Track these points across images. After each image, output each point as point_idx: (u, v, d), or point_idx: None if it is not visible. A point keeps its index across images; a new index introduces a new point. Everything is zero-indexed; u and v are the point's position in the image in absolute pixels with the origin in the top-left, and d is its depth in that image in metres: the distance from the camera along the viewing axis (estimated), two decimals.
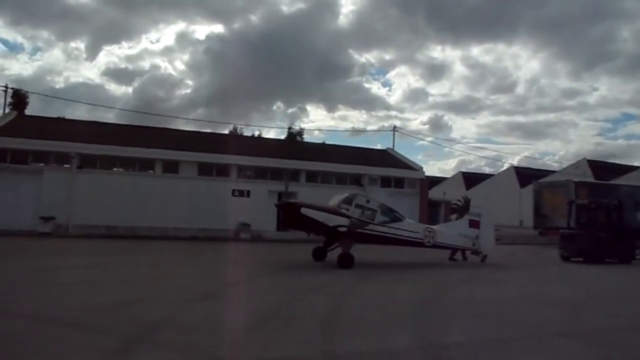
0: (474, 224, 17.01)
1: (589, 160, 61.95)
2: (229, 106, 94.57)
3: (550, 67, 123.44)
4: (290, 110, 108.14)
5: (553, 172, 59.06)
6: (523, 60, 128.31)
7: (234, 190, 26.77)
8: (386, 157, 32.71)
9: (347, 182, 28.93)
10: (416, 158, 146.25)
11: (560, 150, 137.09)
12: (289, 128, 68.12)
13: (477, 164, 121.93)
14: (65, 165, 24.49)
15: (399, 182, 30.02)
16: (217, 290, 10.41)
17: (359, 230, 14.40)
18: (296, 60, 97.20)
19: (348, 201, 14.92)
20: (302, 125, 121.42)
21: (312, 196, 27.26)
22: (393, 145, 35.61)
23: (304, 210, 14.02)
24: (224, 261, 16.73)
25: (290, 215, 14.40)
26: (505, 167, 70.19)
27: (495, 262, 17.28)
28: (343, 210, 14.52)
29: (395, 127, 36.25)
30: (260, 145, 33.20)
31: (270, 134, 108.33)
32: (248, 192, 26.94)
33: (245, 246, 22.92)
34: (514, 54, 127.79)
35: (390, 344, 6.37)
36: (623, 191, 31.02)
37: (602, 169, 57.71)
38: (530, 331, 7.32)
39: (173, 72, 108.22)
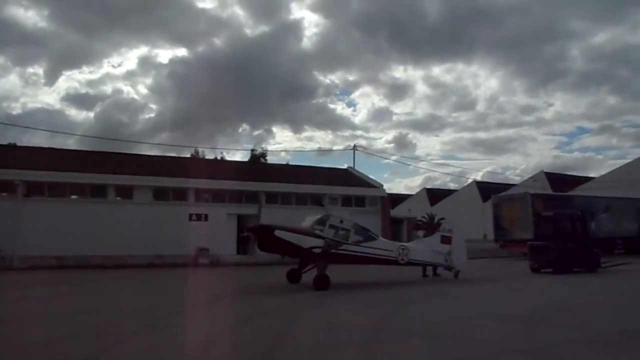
0: (446, 240, 17.15)
1: (546, 173, 63.73)
2: (194, 129, 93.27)
3: (508, 85, 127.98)
4: (256, 132, 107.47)
5: (513, 185, 60.32)
6: (482, 79, 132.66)
7: (191, 215, 25.98)
8: (347, 176, 32.58)
9: (307, 202, 28.60)
10: (382, 176, 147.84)
11: (521, 164, 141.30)
12: (252, 150, 67.88)
13: (442, 180, 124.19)
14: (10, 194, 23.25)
15: (360, 201, 29.88)
16: (160, 320, 9.76)
17: (334, 250, 14.35)
18: (261, 82, 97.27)
19: (321, 222, 14.91)
20: (269, 147, 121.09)
21: (273, 218, 26.99)
22: (354, 164, 35.65)
23: (277, 233, 13.90)
24: (177, 288, 16.00)
25: (263, 238, 14.23)
26: (468, 183, 71.46)
27: (467, 276, 17.32)
28: (317, 231, 14.46)
29: (355, 146, 36.31)
30: (220, 168, 32.59)
31: (236, 156, 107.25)
32: (206, 215, 26.20)
33: (202, 271, 22.15)
34: (473, 73, 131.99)
35: None
36: (577, 202, 31.79)
37: (559, 181, 59.39)
38: (481, 351, 7.06)
39: (136, 97, 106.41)
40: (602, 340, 7.75)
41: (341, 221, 15.39)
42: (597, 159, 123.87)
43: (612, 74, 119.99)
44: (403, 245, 16.65)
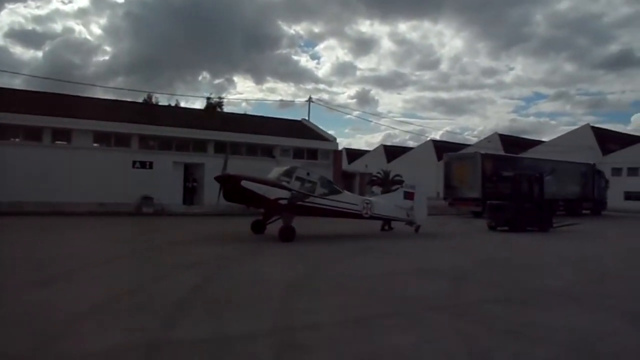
0: (409, 196, 17.43)
1: (500, 135, 65.07)
2: (151, 75, 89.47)
3: (472, 46, 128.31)
4: (216, 81, 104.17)
5: (469, 146, 61.30)
6: (447, 39, 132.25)
7: (134, 162, 24.90)
8: (301, 128, 31.92)
9: (258, 153, 27.90)
10: (343, 132, 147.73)
11: (479, 125, 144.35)
12: (208, 98, 65.64)
13: (402, 138, 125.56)
14: None
15: (312, 153, 29.43)
16: (73, 270, 9.13)
17: (300, 202, 14.35)
18: (223, 28, 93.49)
19: (288, 174, 14.86)
20: (230, 97, 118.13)
21: (219, 167, 26.23)
22: (308, 117, 34.91)
23: (244, 183, 13.77)
24: (111, 237, 15.31)
25: (230, 188, 14.03)
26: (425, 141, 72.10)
27: (426, 232, 17.61)
28: (283, 183, 14.41)
29: (310, 97, 35.41)
30: (168, 114, 31.14)
31: (196, 105, 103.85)
32: (150, 163, 25.16)
33: (144, 221, 21.40)
34: (439, 32, 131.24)
35: (238, 327, 5.62)
36: (525, 164, 32.50)
37: (512, 143, 60.86)
38: (401, 307, 6.89)
39: (89, 37, 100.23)
40: (517, 298, 7.77)
41: (308, 173, 15.28)
42: (551, 124, 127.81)
43: (571, 42, 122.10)
44: (367, 200, 16.83)
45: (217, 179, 14.58)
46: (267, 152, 28.21)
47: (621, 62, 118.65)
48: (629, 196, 47.51)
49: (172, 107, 42.65)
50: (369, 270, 10.15)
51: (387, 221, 17.81)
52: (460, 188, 28.75)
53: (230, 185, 14.03)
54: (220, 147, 26.84)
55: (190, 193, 25.93)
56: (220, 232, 17.19)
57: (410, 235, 17.00)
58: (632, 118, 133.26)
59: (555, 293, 8.14)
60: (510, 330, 5.90)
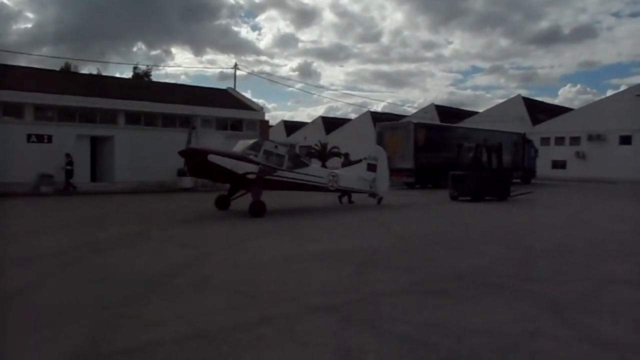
0: (372, 168, 17.39)
1: (436, 106, 65.29)
2: (81, 45, 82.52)
3: (413, 20, 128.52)
4: (153, 53, 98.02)
5: (406, 117, 61.01)
6: (388, 11, 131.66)
7: (29, 135, 21.95)
8: (225, 98, 29.68)
9: (176, 123, 25.54)
10: (285, 104, 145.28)
11: (419, 98, 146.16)
12: (134, 67, 61.20)
13: (345, 111, 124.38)
14: None
15: (237, 124, 27.41)
16: None
17: (268, 176, 14.06)
18: None
19: (255, 147, 14.46)
20: (167, 69, 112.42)
21: (133, 140, 23.82)
22: (235, 85, 32.62)
23: (211, 157, 13.20)
24: None
25: (196, 162, 13.42)
26: (363, 112, 71.34)
27: (388, 203, 17.69)
28: (251, 157, 13.99)
29: (236, 64, 33.15)
30: (84, 83, 27.82)
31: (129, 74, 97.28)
32: (49, 137, 22.30)
33: (39, 202, 18.84)
34: (380, 5, 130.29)
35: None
36: (458, 133, 32.01)
37: (448, 114, 61.15)
38: (281, 309, 5.36)
39: (7, 2, 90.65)
40: (430, 287, 6.46)
41: (275, 146, 14.80)
42: (487, 97, 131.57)
43: (506, 18, 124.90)
44: (333, 172, 16.63)
45: (181, 153, 13.66)
46: (187, 122, 25.89)
47: (550, 38, 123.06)
48: (555, 164, 48.95)
49: (93, 75, 38.82)
50: (267, 255, 8.59)
51: (345, 193, 17.49)
52: (393, 158, 27.61)
53: (196, 160, 13.34)
54: (133, 118, 24.29)
55: (67, 176, 21.89)
56: (168, 211, 15.93)
57: (365, 208, 16.61)
58: (560, 91, 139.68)
59: (477, 277, 6.93)
60: (406, 336, 4.51)
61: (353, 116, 79.48)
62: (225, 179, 14.51)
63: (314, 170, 16.01)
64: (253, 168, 13.80)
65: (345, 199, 17.83)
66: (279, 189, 14.81)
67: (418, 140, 27.46)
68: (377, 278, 6.96)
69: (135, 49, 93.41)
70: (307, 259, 8.15)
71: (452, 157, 30.70)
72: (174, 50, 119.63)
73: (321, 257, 8.28)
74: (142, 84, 28.48)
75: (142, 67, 58.94)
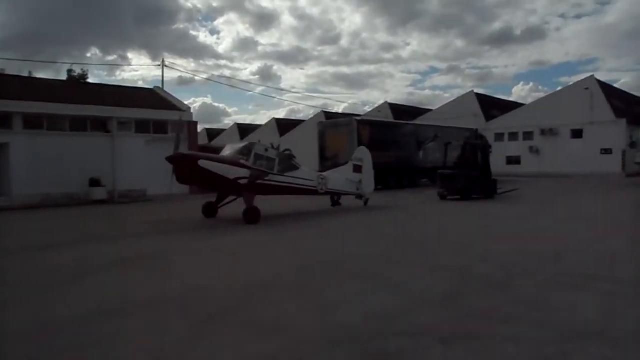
0: (357, 169, 17.15)
1: (390, 104, 63.77)
2: (33, 51, 76.80)
3: (371, 22, 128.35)
4: (109, 58, 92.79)
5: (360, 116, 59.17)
6: (347, 14, 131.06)
7: None
8: (149, 98, 26.69)
9: (87, 127, 22.43)
10: (247, 108, 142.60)
11: (379, 99, 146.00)
12: (69, 70, 57.02)
13: (306, 113, 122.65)
14: None
15: (160, 126, 24.43)
16: None
17: (260, 181, 13.62)
18: (111, 1, 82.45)
19: (246, 151, 13.90)
20: (125, 75, 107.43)
21: (34, 147, 20.62)
22: (162, 84, 29.61)
23: (202, 163, 12.67)
24: None
25: (185, 169, 12.67)
26: (316, 113, 69.20)
27: (374, 204, 17.29)
28: (242, 161, 13.49)
29: (163, 61, 30.22)
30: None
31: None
32: None
33: None
34: (338, 8, 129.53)
35: None
36: (407, 130, 30.16)
37: (402, 112, 59.60)
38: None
39: None
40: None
41: (266, 150, 14.24)
42: (445, 97, 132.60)
43: (461, 19, 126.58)
44: (322, 175, 16.24)
45: (169, 159, 12.90)
46: (100, 125, 22.89)
47: (504, 39, 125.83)
48: (510, 160, 48.04)
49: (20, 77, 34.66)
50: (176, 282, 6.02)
51: (334, 195, 17.03)
52: (336, 158, 25.36)
53: (185, 166, 12.64)
54: (33, 122, 21.04)
55: None
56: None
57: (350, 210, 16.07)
58: (513, 90, 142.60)
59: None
60: None
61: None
62: (216, 185, 13.89)
63: (304, 173, 15.44)
64: (244, 173, 13.27)
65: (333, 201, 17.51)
66: (270, 193, 14.35)
67: (362, 138, 25.24)
68: (262, 304, 4.50)
69: (89, 54, 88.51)
70: (208, 288, 5.62)
71: (402, 156, 29.06)
72: (130, 55, 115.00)
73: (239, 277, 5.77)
74: (50, 84, 25.03)
75: (79, 70, 54.65)
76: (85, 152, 21.77)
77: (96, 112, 22.42)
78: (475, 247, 9.21)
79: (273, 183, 14.05)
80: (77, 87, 26.29)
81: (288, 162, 14.96)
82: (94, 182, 21.64)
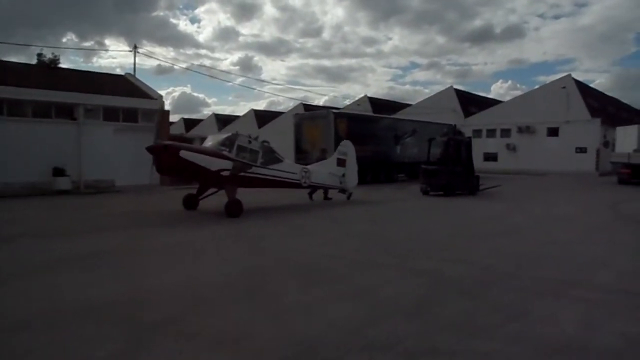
0: (341, 163, 17.02)
1: (370, 98, 63.42)
2: (4, 34, 73.79)
3: (353, 16, 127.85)
4: (85, 44, 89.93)
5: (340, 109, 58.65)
6: (329, 6, 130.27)
7: None
8: (121, 84, 25.62)
9: (52, 114, 21.36)
10: (227, 99, 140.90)
11: (360, 93, 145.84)
12: (39, 54, 55.08)
13: (287, 105, 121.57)
14: None
15: (130, 114, 23.46)
16: None
17: (242, 173, 13.30)
18: None
19: (229, 142, 13.48)
20: (102, 61, 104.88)
21: None
22: (134, 71, 28.56)
23: (183, 154, 12.26)
24: None
25: (166, 159, 12.20)
26: (295, 105, 68.42)
27: (359, 198, 17.27)
28: (224, 152, 13.10)
29: (135, 46, 29.05)
30: None
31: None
32: None
33: None
34: (321, 0, 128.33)
35: None
36: (385, 124, 29.76)
37: (382, 106, 59.32)
38: None
39: None
40: None
41: (249, 141, 13.86)
42: (425, 92, 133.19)
43: (442, 16, 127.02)
44: (305, 168, 15.91)
45: (149, 149, 12.47)
46: (67, 112, 21.84)
47: (483, 37, 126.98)
48: (487, 157, 48.20)
49: None
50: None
51: (316, 189, 17.04)
52: (312, 152, 24.81)
53: (167, 157, 12.15)
54: None
55: None
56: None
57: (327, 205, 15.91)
58: (492, 87, 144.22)
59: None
60: None
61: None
62: (198, 177, 13.67)
63: (288, 166, 15.19)
64: (227, 164, 12.92)
65: (317, 195, 17.51)
66: (253, 186, 14.09)
67: (339, 131, 24.72)
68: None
69: (65, 39, 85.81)
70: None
71: (379, 150, 28.58)
72: (107, 42, 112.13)
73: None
74: (14, 68, 23.79)
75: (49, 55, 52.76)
76: (50, 140, 20.70)
77: (61, 97, 21.31)
78: (452, 248, 8.81)
79: (256, 176, 13.78)
80: (44, 72, 25.00)
81: (271, 154, 14.66)
82: (58, 172, 20.62)
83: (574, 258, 7.96)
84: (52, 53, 33.31)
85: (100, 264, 7.51)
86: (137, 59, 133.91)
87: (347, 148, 17.51)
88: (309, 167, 16.38)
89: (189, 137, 27.74)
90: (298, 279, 6.47)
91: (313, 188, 16.68)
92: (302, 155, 25.30)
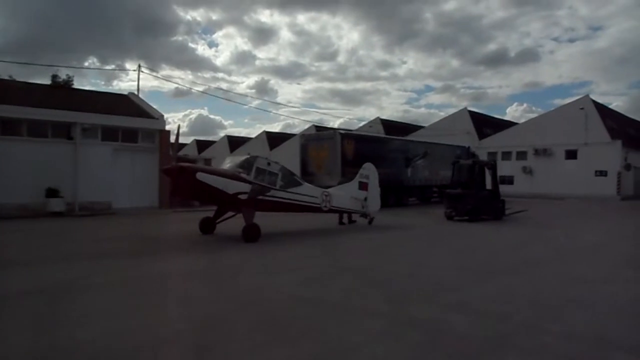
0: (363, 186, 16.55)
1: (382, 120, 62.49)
2: (30, 58, 75.34)
3: (368, 40, 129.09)
4: (106, 67, 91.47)
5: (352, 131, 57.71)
6: (345, 31, 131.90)
7: None
8: (123, 104, 24.98)
9: (48, 133, 20.67)
10: (242, 121, 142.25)
11: (375, 116, 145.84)
12: (54, 76, 55.54)
13: (302, 128, 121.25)
14: None
15: (130, 134, 22.71)
16: None
17: (261, 197, 12.90)
18: (112, 10, 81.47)
19: (248, 165, 13.18)
20: (122, 84, 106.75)
21: None
22: (138, 90, 27.93)
23: (200, 176, 12.01)
24: None
25: (183, 181, 11.94)
26: (307, 127, 67.79)
27: (380, 223, 16.72)
28: (242, 175, 12.78)
29: (140, 66, 28.51)
30: None
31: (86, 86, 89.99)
32: None
33: None
34: (337, 25, 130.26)
35: None
36: (395, 145, 28.60)
37: (394, 128, 58.31)
38: None
39: None
40: None
41: (268, 163, 13.47)
42: (439, 115, 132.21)
43: (456, 40, 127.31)
44: (326, 192, 15.33)
45: (165, 171, 12.42)
46: (64, 132, 21.14)
47: (498, 60, 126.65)
48: (503, 180, 46.48)
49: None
50: None
51: (342, 213, 16.71)
52: (318, 174, 23.76)
53: (183, 179, 11.89)
54: None
55: None
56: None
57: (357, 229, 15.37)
58: (507, 110, 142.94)
59: None
60: None
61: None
62: (215, 200, 13.28)
63: (308, 189, 14.65)
64: (245, 187, 12.55)
65: (345, 219, 17.22)
66: (271, 210, 13.62)
67: (346, 153, 23.68)
68: None
69: (87, 63, 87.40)
70: None
71: (389, 173, 27.28)
72: (128, 65, 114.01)
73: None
74: (17, 87, 23.31)
75: (64, 76, 53.02)
76: (45, 159, 19.96)
77: (58, 116, 20.64)
78: (462, 289, 7.56)
79: (275, 199, 13.33)
80: (45, 91, 24.50)
81: (291, 177, 14.29)
82: (51, 193, 19.83)
83: (604, 305, 6.66)
84: (67, 75, 33.17)
85: (44, 303, 6.44)
86: (156, 82, 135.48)
87: (370, 171, 16.98)
88: (329, 190, 15.79)
89: (191, 158, 26.88)
90: (262, 332, 5.27)
91: (338, 212, 16.31)
92: (308, 178, 24.11)
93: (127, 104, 25.18)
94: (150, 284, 7.73)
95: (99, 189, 21.18)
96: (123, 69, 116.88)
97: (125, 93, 27.55)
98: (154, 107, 25.19)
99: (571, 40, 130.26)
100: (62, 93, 25.29)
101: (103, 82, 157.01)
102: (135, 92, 27.43)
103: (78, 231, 15.39)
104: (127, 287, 7.48)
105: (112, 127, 22.09)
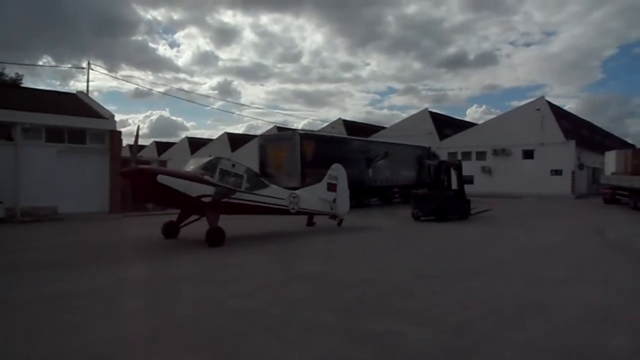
0: (332, 188, 16.30)
1: (344, 120, 62.39)
2: None
3: (331, 42, 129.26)
4: (62, 67, 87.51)
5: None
6: (308, 33, 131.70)
7: None
8: (71, 103, 23.61)
9: None
10: (205, 123, 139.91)
11: (338, 117, 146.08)
12: (0, 74, 52.75)
13: (265, 129, 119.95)
14: None
15: (77, 135, 21.44)
16: None
17: (225, 199, 12.55)
18: (67, 9, 77.87)
19: (211, 166, 12.77)
20: (78, 85, 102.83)
21: None
22: (87, 90, 26.56)
23: (161, 179, 11.59)
24: None
25: (143, 184, 11.57)
26: (269, 129, 66.97)
27: (349, 225, 16.47)
28: (206, 177, 12.40)
29: (89, 63, 27.20)
30: None
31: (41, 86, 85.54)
32: None
33: None
34: (300, 26, 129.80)
35: None
36: (355, 146, 28.22)
37: (357, 129, 58.27)
38: None
39: None
40: None
41: (233, 165, 13.20)
42: (402, 116, 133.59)
43: (418, 43, 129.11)
44: (293, 194, 14.99)
45: (123, 174, 12.19)
46: (4, 132, 19.74)
47: (458, 63, 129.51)
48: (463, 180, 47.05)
49: None
50: None
51: (309, 215, 16.18)
52: (277, 176, 23.11)
53: (143, 182, 11.48)
54: None
55: None
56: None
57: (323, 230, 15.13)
58: (467, 111, 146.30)
59: None
60: None
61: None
62: (177, 203, 12.80)
63: (275, 191, 14.28)
64: (209, 190, 12.19)
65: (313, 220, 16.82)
66: (236, 213, 13.30)
67: (306, 154, 23.16)
68: None
69: (41, 62, 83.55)
70: None
71: (350, 174, 26.52)
72: (85, 65, 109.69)
73: None
74: None
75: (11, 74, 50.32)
76: None
77: None
78: (419, 296, 7.15)
79: (241, 202, 12.97)
80: None
81: (257, 179, 14.16)
82: None
83: (572, 309, 6.37)
84: (16, 73, 31.40)
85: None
86: (115, 82, 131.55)
87: (338, 172, 16.71)
88: (297, 192, 15.46)
89: (145, 160, 25.72)
90: (191, 353, 4.67)
91: (305, 214, 15.87)
92: (266, 179, 23.35)
93: (75, 103, 23.82)
94: (81, 299, 6.96)
95: (43, 193, 19.87)
96: (78, 67, 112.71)
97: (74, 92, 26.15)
98: (112, 107, 24.10)
99: (527, 45, 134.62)
100: (5, 92, 23.72)
101: (59, 83, 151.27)
102: (85, 91, 26.04)
103: (19, 238, 14.27)
104: (53, 302, 6.69)
105: (57, 128, 20.77)
